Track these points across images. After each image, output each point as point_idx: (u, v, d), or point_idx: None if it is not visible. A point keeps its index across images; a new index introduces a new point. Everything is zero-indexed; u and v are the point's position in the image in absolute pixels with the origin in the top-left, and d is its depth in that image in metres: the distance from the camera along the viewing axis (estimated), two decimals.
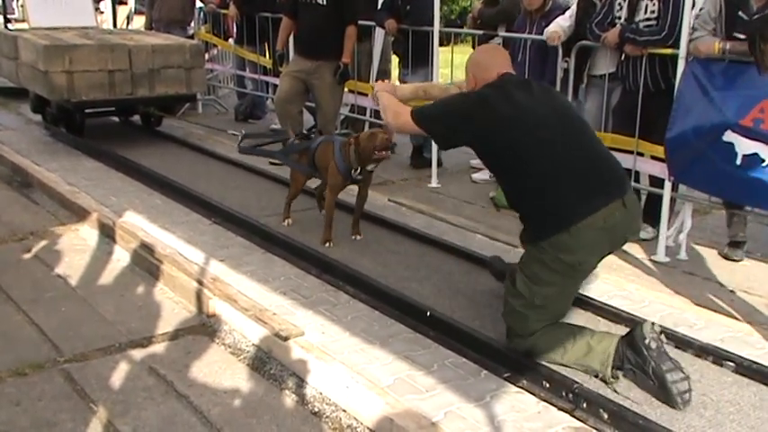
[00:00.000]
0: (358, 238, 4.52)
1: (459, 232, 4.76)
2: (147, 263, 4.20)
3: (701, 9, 4.21)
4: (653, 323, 2.92)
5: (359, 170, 4.30)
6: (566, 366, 3.00)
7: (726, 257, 4.46)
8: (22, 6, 9.52)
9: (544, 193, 2.92)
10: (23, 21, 8.61)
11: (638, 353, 2.85)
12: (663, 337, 2.90)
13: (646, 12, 4.45)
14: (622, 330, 3.19)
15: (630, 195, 3.00)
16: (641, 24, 4.46)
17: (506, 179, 3.10)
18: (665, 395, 2.79)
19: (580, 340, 2.98)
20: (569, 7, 5.16)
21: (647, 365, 2.82)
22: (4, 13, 9.31)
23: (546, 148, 2.90)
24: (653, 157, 4.51)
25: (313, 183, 4.90)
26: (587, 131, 3.14)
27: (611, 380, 2.90)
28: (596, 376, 2.95)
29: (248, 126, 8.07)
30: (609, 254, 3.09)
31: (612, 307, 3.57)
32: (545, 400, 2.82)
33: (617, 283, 3.98)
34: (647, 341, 2.84)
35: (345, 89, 6.04)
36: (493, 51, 3.42)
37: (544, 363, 2.99)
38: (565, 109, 3.15)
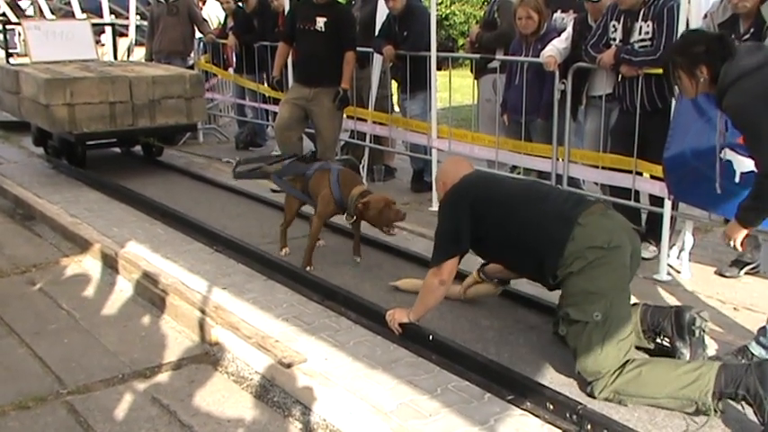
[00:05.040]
0: (358, 259, 4.55)
1: None
2: (149, 293, 4.21)
3: None
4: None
5: (353, 217, 4.28)
6: (660, 406, 2.86)
7: (720, 274, 4.45)
8: (23, 41, 9.61)
9: (543, 217, 3.16)
10: (25, 55, 8.69)
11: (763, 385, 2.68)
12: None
13: (640, 33, 4.49)
14: None
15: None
16: (636, 45, 4.49)
17: (507, 232, 3.24)
18: None
19: (681, 370, 2.85)
20: (564, 30, 5.20)
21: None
22: (5, 48, 9.40)
23: (523, 194, 3.35)
24: (652, 177, 4.53)
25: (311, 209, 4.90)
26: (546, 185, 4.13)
27: (716, 410, 2.75)
28: (694, 411, 2.80)
29: (249, 154, 8.12)
30: (632, 248, 3.11)
31: None
32: (549, 423, 2.81)
33: None
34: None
35: (345, 115, 6.09)
36: (456, 160, 3.93)
37: (551, 386, 2.98)
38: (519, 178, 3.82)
